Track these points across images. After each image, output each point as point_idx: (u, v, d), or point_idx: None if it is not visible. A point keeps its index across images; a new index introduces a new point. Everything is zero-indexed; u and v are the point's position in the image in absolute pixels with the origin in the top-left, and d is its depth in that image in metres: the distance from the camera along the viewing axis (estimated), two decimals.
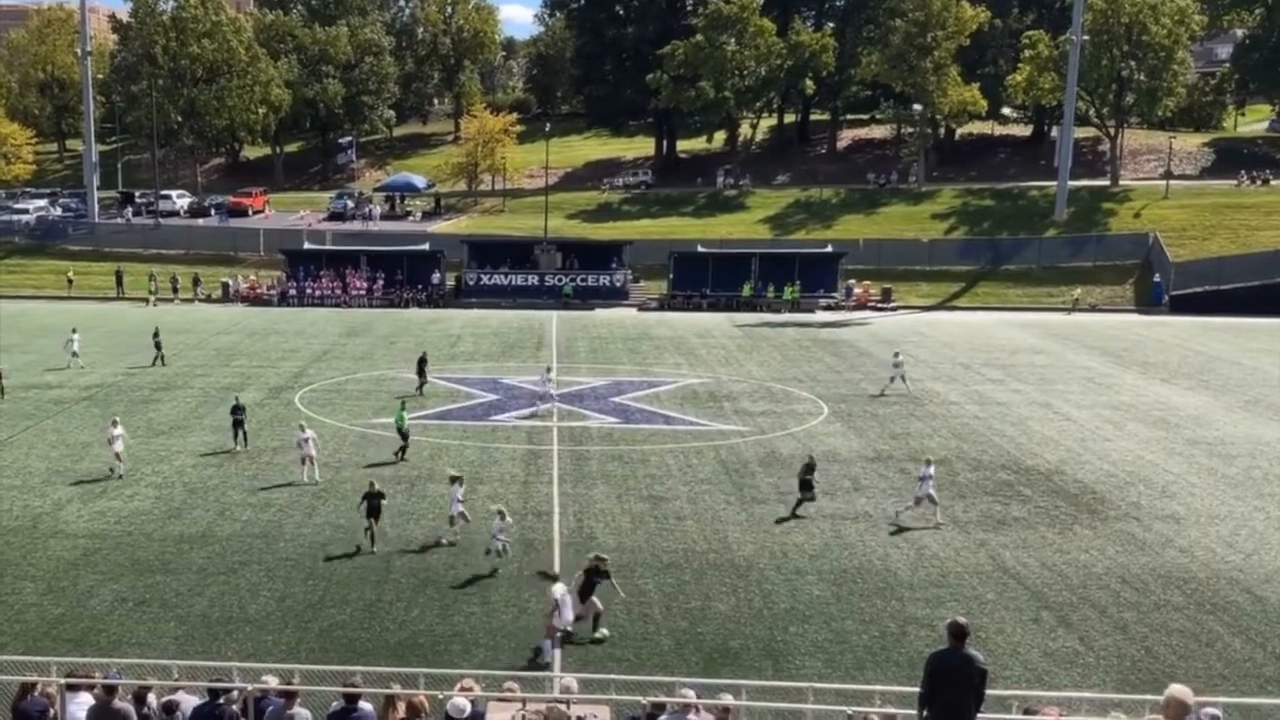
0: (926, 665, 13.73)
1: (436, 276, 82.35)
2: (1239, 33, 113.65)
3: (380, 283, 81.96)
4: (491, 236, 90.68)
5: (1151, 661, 23.60)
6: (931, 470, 32.96)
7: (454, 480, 31.29)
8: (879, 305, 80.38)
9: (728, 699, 16.10)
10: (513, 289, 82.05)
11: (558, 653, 23.42)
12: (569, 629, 24.02)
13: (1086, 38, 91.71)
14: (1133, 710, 16.81)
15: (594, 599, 24.75)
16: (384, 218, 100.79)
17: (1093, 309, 79.44)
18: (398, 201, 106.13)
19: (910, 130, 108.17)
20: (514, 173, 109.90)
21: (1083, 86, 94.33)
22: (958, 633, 13.41)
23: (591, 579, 24.96)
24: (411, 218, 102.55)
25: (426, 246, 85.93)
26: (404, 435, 38.77)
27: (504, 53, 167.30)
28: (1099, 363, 58.48)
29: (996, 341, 65.29)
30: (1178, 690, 12.15)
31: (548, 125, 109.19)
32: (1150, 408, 47.72)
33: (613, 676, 19.68)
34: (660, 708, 15.89)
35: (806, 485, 33.40)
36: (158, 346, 55.63)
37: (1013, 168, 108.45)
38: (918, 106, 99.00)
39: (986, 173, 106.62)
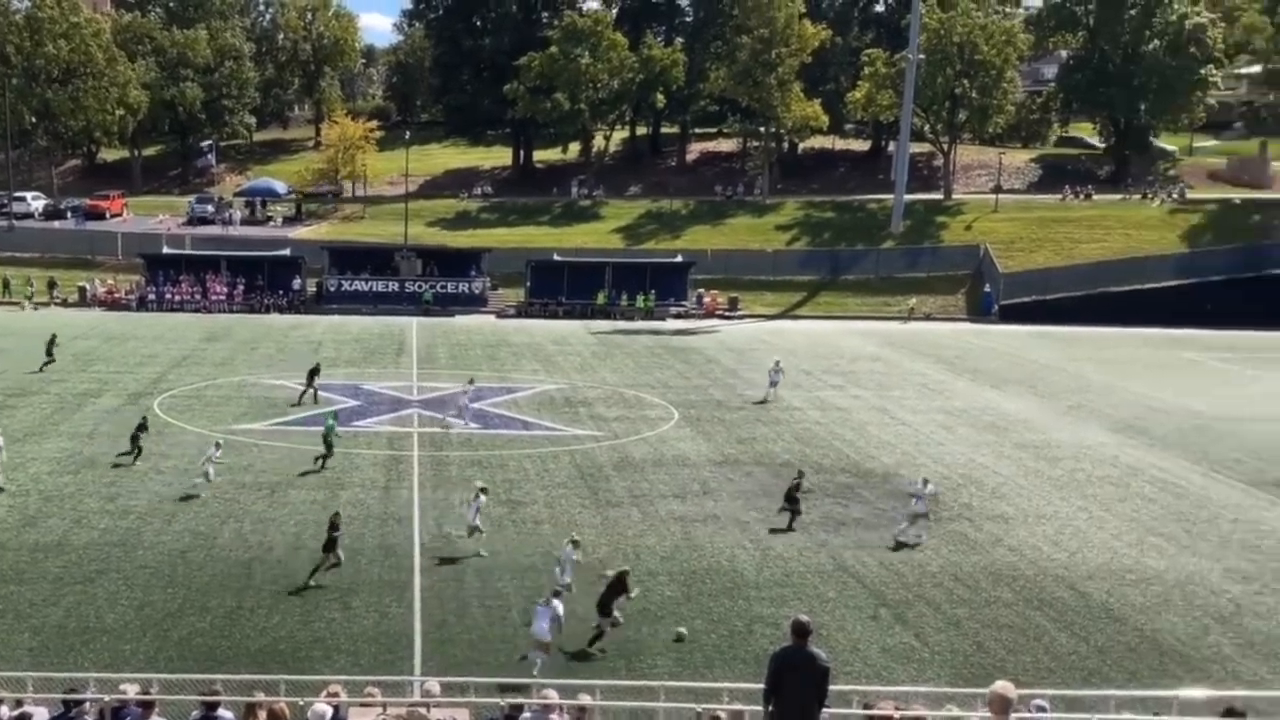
0: (770, 662, 13.91)
1: (297, 282, 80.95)
2: (1063, 54, 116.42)
3: (241, 288, 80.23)
4: (352, 243, 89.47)
5: (983, 656, 24.24)
6: (928, 489, 32.68)
7: (480, 492, 31.12)
8: (727, 314, 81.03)
9: (584, 699, 16.24)
10: (373, 295, 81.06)
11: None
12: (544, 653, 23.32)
13: (922, 57, 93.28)
14: (965, 703, 17.31)
15: (614, 615, 24.63)
16: (244, 223, 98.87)
17: (927, 318, 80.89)
18: (258, 207, 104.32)
19: (755, 144, 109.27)
20: (374, 179, 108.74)
21: (918, 103, 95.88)
22: (800, 630, 13.67)
23: (614, 593, 24.81)
24: (272, 223, 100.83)
25: (287, 252, 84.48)
26: (329, 445, 38.11)
27: (364, 60, 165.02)
28: (933, 369, 59.68)
29: (837, 349, 66.26)
30: (1000, 686, 12.52)
31: (407, 133, 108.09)
32: (981, 413, 48.87)
33: (473, 679, 19.66)
34: (519, 709, 15.98)
35: (792, 499, 33.46)
36: (49, 351, 53.80)
37: (852, 181, 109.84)
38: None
39: (828, 186, 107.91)
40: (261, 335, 66.54)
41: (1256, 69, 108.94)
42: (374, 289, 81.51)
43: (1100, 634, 25.57)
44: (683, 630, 24.90)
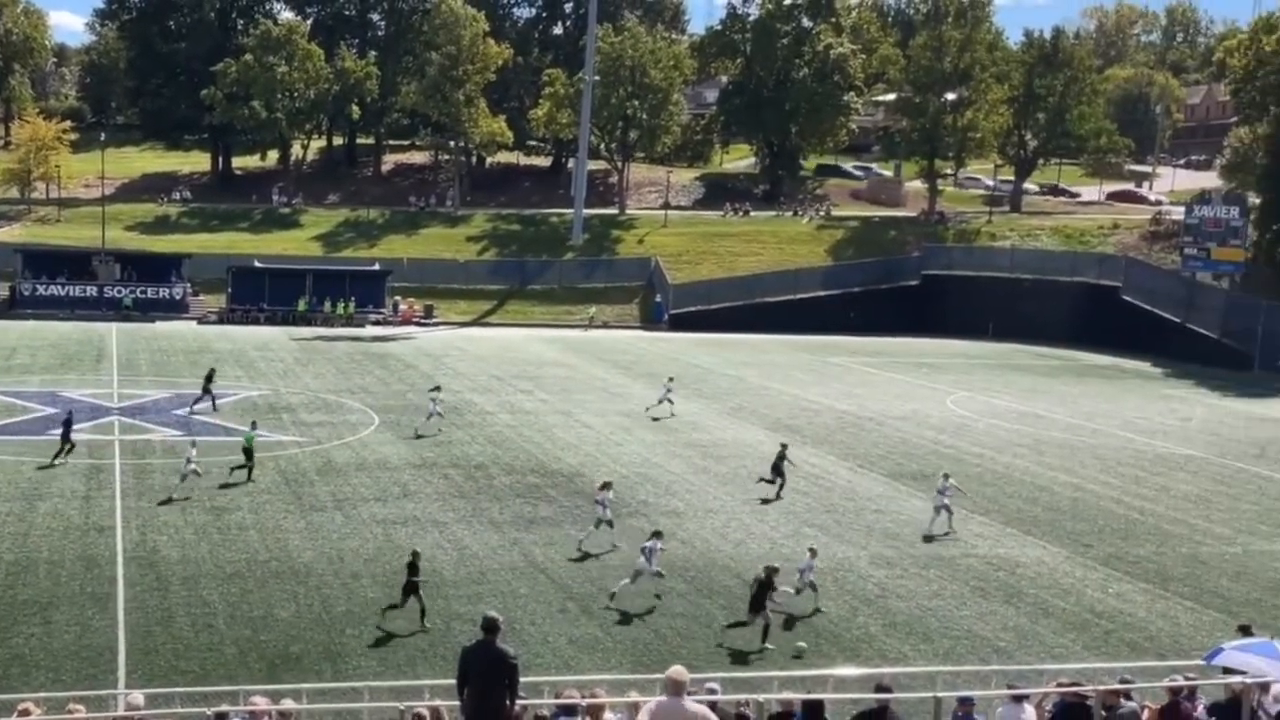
0: (459, 658, 13.94)
1: None
2: (724, 79, 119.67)
3: None
4: (47, 246, 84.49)
5: (660, 643, 24.73)
6: (951, 483, 33.66)
7: (605, 486, 31.14)
8: (422, 321, 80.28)
9: (288, 703, 15.86)
10: (70, 300, 76.57)
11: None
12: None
13: (597, 78, 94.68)
14: (646, 689, 17.58)
15: (766, 610, 24.27)
16: None
17: (605, 326, 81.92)
18: None
19: (446, 157, 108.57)
20: (69, 182, 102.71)
21: (595, 123, 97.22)
22: (488, 627, 13.71)
23: (764, 591, 24.30)
24: None
25: None
26: (249, 455, 36.13)
27: (55, 59, 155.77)
28: (611, 374, 60.62)
29: (525, 355, 66.52)
30: (674, 671, 12.76)
31: (103, 135, 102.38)
32: (655, 410, 49.88)
33: (178, 689, 18.98)
34: (223, 716, 15.48)
35: (778, 470, 36.47)
36: None
37: (536, 195, 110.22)
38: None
39: (514, 199, 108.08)
40: None
41: (891, 97, 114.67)
42: (71, 294, 77.20)
43: (739, 618, 26.40)
44: (802, 645, 24.44)
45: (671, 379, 51.86)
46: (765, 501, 36.42)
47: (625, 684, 18.83)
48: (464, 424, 46.10)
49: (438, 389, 46.94)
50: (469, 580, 28.07)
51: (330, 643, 23.98)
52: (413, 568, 25.12)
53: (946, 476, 34.82)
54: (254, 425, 39.30)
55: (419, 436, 43.41)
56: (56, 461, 36.77)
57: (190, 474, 34.31)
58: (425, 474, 37.97)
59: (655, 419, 48.59)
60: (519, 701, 14.07)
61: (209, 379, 46.96)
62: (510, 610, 25.16)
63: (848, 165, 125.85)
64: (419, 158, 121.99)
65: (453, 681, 14.12)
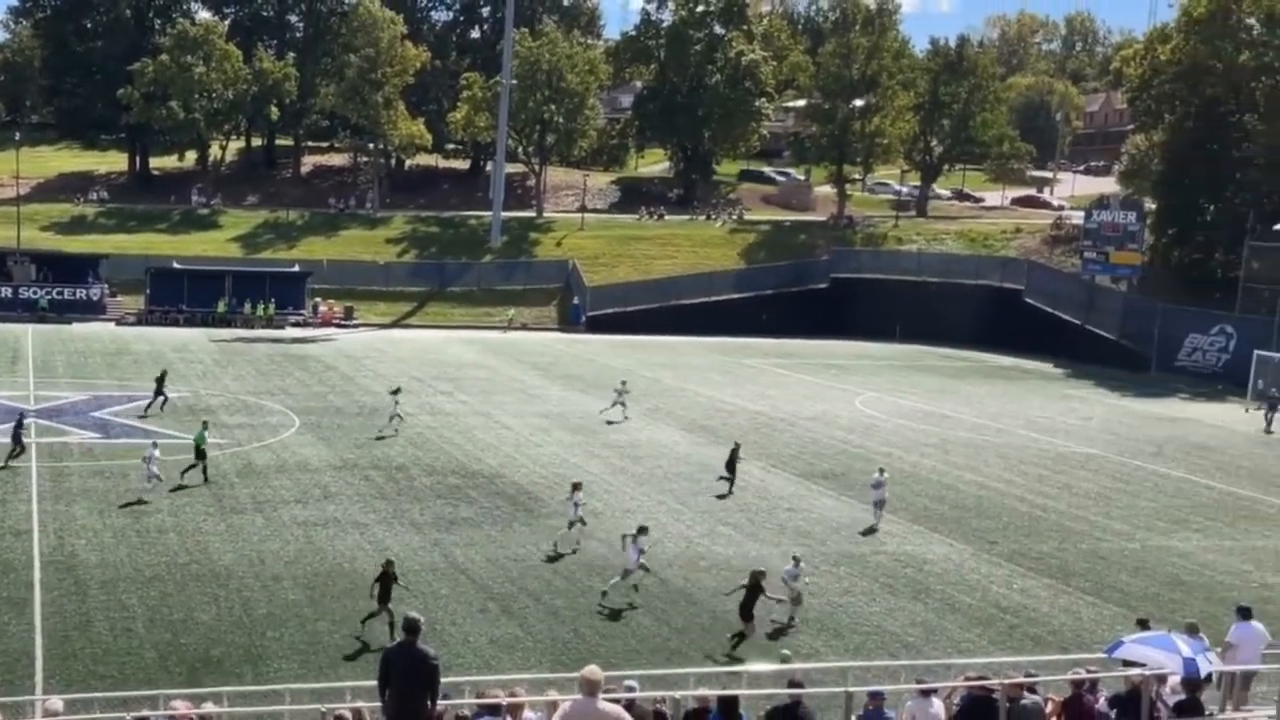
0: (380, 659, 13.94)
1: None
2: (638, 84, 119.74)
3: None
4: None
5: (579, 642, 24.80)
6: (884, 478, 34.61)
7: (576, 487, 31.59)
8: (343, 323, 79.39)
9: (209, 707, 15.71)
10: None
11: None
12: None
13: (514, 82, 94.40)
14: (565, 688, 17.64)
15: (754, 620, 24.30)
16: None
17: (524, 328, 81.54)
18: None
19: (366, 159, 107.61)
20: None
21: (512, 126, 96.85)
22: (409, 627, 13.75)
23: (753, 596, 24.24)
24: None
25: None
26: (200, 455, 35.70)
27: None
28: (530, 376, 60.49)
29: (445, 357, 66.11)
30: (588, 670, 12.86)
31: (18, 134, 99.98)
32: (573, 415, 49.86)
33: (97, 695, 18.70)
34: None
35: (731, 468, 37.73)
36: None
37: (455, 197, 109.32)
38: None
39: (433, 201, 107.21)
40: None
41: (801, 103, 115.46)
42: None
43: (679, 616, 26.62)
44: (786, 653, 23.81)
45: (624, 381, 51.67)
46: (721, 497, 37.26)
47: (545, 683, 18.87)
48: (385, 426, 45.81)
49: (398, 390, 46.58)
50: None
51: (251, 645, 23.77)
52: (387, 577, 24.62)
53: (882, 471, 35.57)
54: (205, 425, 38.80)
55: (380, 438, 43.35)
56: (9, 464, 36.11)
57: (154, 476, 34.00)
58: (346, 476, 37.68)
59: (610, 421, 48.55)
60: (440, 702, 14.08)
61: (161, 380, 46.62)
62: (431, 611, 25.09)
63: (770, 170, 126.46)
64: (338, 159, 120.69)
65: (374, 683, 14.09)
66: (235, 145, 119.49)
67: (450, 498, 35.70)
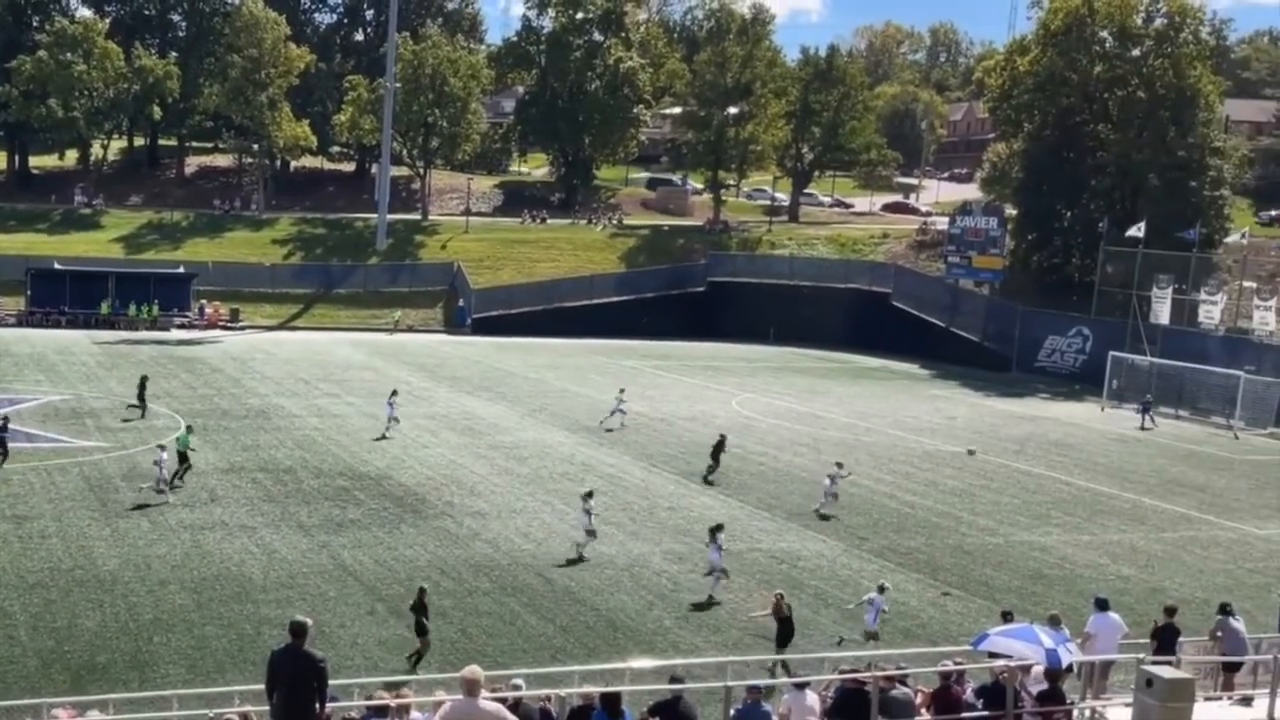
0: (267, 663, 13.73)
1: None
2: (520, 90, 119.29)
3: None
4: None
5: (467, 642, 24.77)
6: (839, 470, 36.73)
7: (588, 495, 31.42)
8: (229, 324, 77.70)
9: (94, 714, 15.41)
10: None
11: None
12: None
13: (398, 85, 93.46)
14: (452, 688, 17.61)
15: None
16: None
17: (410, 330, 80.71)
18: None
19: (251, 160, 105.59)
20: None
21: (397, 129, 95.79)
22: (296, 631, 13.52)
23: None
24: None
25: None
26: (183, 458, 34.98)
27: None
28: (417, 377, 59.88)
29: (332, 359, 65.12)
30: (468, 671, 12.86)
31: None
32: (459, 417, 49.58)
33: None
34: None
35: (716, 457, 40.43)
36: None
37: (341, 200, 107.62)
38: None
39: (319, 203, 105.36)
40: None
41: (678, 110, 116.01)
42: None
43: (564, 615, 26.69)
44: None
45: (624, 390, 51.24)
46: (708, 482, 39.65)
47: (433, 683, 18.80)
48: (272, 428, 45.12)
49: (394, 393, 46.54)
50: (278, 585, 27.58)
51: (138, 651, 23.31)
52: (421, 606, 23.81)
53: (840, 465, 37.62)
54: (189, 430, 38.50)
55: (379, 439, 43.82)
56: None
57: (163, 480, 33.86)
58: (233, 479, 37.02)
59: (609, 430, 48.36)
60: (328, 705, 13.92)
61: (142, 386, 46.11)
62: (320, 613, 24.80)
63: (675, 178, 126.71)
64: (223, 160, 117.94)
65: (262, 687, 13.91)
66: (117, 144, 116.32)
67: (338, 500, 35.29)
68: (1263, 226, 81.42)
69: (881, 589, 25.79)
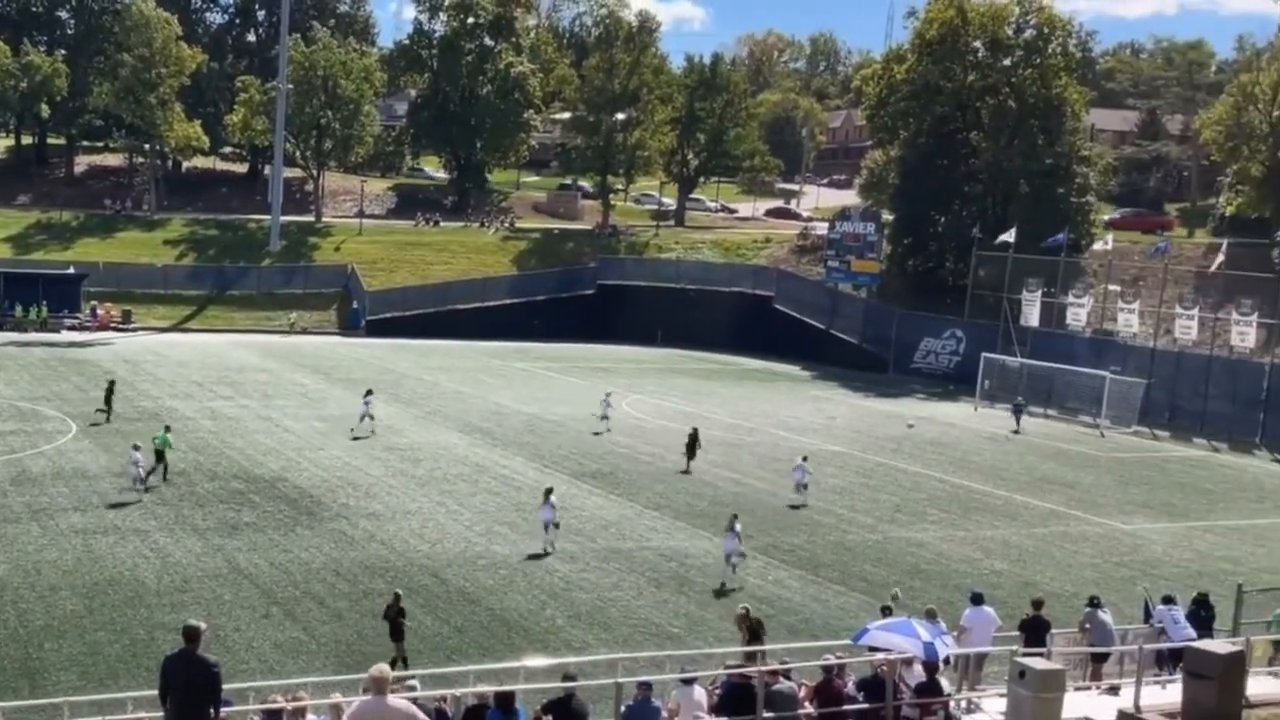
0: (160, 668, 13.47)
1: None
2: (412, 93, 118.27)
3: None
4: None
5: (363, 643, 24.45)
6: (804, 464, 38.63)
7: (548, 492, 32.36)
8: (120, 326, 75.64)
9: None
10: None
11: None
12: None
13: (291, 87, 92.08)
14: (350, 689, 17.50)
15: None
16: None
17: (304, 332, 79.44)
18: None
19: (142, 160, 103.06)
20: None
21: (289, 130, 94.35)
22: (188, 636, 13.25)
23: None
24: None
25: None
26: (160, 456, 34.87)
27: None
28: (311, 379, 59.04)
29: (226, 361, 63.82)
30: (377, 670, 12.95)
31: None
32: (354, 419, 48.76)
33: None
34: None
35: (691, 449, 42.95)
36: None
37: (234, 201, 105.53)
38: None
39: (211, 204, 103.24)
40: None
41: (567, 115, 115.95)
42: None
43: (459, 615, 26.54)
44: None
45: (610, 393, 51.46)
46: (684, 472, 41.57)
47: (330, 685, 18.62)
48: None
49: (369, 392, 46.76)
50: (172, 589, 27.03)
51: (28, 658, 22.68)
52: (397, 609, 23.67)
53: (804, 458, 39.03)
54: (168, 429, 38.01)
55: (356, 439, 43.91)
56: None
57: (140, 480, 33.75)
58: (126, 482, 36.07)
59: (596, 433, 48.80)
60: (223, 710, 13.72)
61: (109, 391, 45.46)
62: (215, 617, 24.40)
63: (530, 178, 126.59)
64: (114, 160, 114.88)
65: (155, 693, 13.67)
66: (4, 143, 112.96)
67: (233, 502, 34.71)
68: (1103, 229, 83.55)
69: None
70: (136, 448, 35.02)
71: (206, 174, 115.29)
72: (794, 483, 38.80)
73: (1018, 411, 58.10)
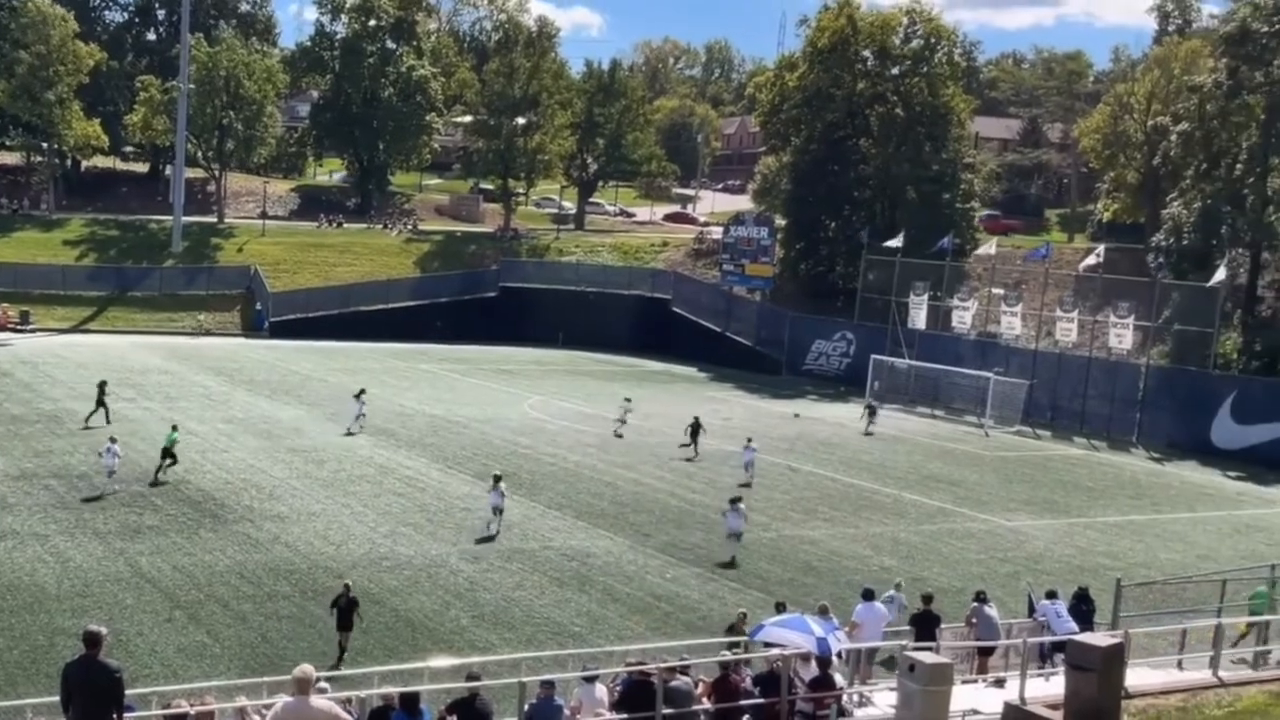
0: (61, 675, 13.19)
1: None
2: (315, 94, 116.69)
3: None
4: None
5: (267, 646, 24.22)
6: (751, 444, 42.88)
7: (497, 479, 33.51)
8: (19, 327, 73.23)
9: None
10: None
11: None
12: None
13: (192, 86, 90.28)
14: (253, 692, 17.32)
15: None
16: None
17: (208, 333, 77.81)
18: None
19: (39, 159, 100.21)
20: None
21: (191, 131, 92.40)
22: (89, 641, 12.97)
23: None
24: None
25: None
26: (165, 454, 35.30)
27: None
28: (215, 381, 57.95)
29: (128, 363, 62.12)
30: (300, 670, 12.90)
31: None
32: (257, 421, 48.23)
33: None
34: None
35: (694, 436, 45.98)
36: None
37: (135, 201, 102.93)
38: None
39: (112, 204, 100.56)
40: None
41: (469, 119, 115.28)
42: None
43: (363, 616, 26.19)
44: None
45: (629, 399, 51.70)
46: (689, 460, 44.84)
47: (234, 689, 18.42)
48: (65, 433, 43.12)
49: (362, 391, 47.35)
50: (73, 594, 26.46)
51: None
52: (347, 599, 23.96)
53: (750, 440, 43.45)
54: (175, 428, 39.10)
55: (348, 434, 45.05)
56: None
57: (113, 471, 34.10)
58: (24, 485, 35.25)
59: (618, 435, 49.53)
60: (126, 715, 13.50)
61: (101, 390, 44.63)
62: (117, 622, 24.01)
63: (432, 180, 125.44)
64: (10, 158, 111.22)
65: (57, 699, 13.41)
66: None
67: (135, 505, 34.02)
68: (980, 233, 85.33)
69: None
70: (113, 440, 35.44)
71: (106, 174, 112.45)
72: (743, 463, 42.40)
73: (871, 412, 57.30)
